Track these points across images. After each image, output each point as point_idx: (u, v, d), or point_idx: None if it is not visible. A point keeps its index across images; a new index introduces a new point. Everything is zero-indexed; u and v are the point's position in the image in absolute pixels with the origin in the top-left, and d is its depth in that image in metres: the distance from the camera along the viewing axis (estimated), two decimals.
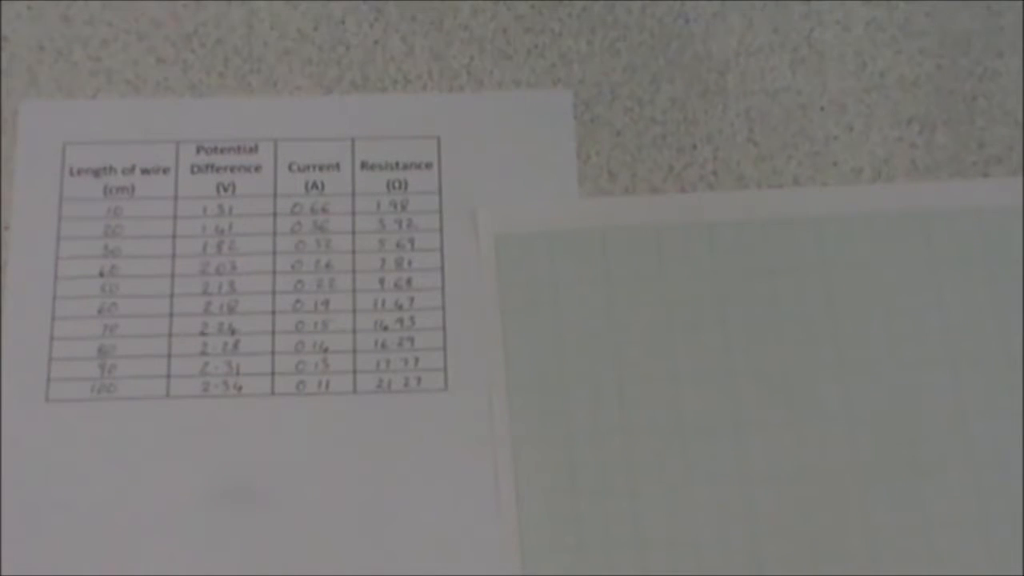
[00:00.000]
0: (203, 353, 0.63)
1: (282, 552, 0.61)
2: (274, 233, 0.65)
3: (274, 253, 0.65)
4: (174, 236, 0.65)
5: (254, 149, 0.67)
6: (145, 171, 0.66)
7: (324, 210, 0.66)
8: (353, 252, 0.65)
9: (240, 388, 0.63)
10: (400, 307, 0.64)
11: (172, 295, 0.64)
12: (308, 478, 0.62)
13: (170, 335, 0.64)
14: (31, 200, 0.65)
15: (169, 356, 0.63)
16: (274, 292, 0.64)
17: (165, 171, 0.66)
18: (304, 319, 0.64)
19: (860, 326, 0.64)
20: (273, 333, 0.64)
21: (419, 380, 0.63)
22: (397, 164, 0.67)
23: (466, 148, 0.67)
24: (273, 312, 0.64)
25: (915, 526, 0.61)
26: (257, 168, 0.67)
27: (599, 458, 0.62)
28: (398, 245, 0.65)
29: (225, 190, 0.66)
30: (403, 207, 0.66)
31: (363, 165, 0.67)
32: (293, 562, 0.60)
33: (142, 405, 0.63)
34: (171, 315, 0.64)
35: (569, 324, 0.64)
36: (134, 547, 0.60)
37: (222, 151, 0.67)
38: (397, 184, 0.66)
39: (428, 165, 0.67)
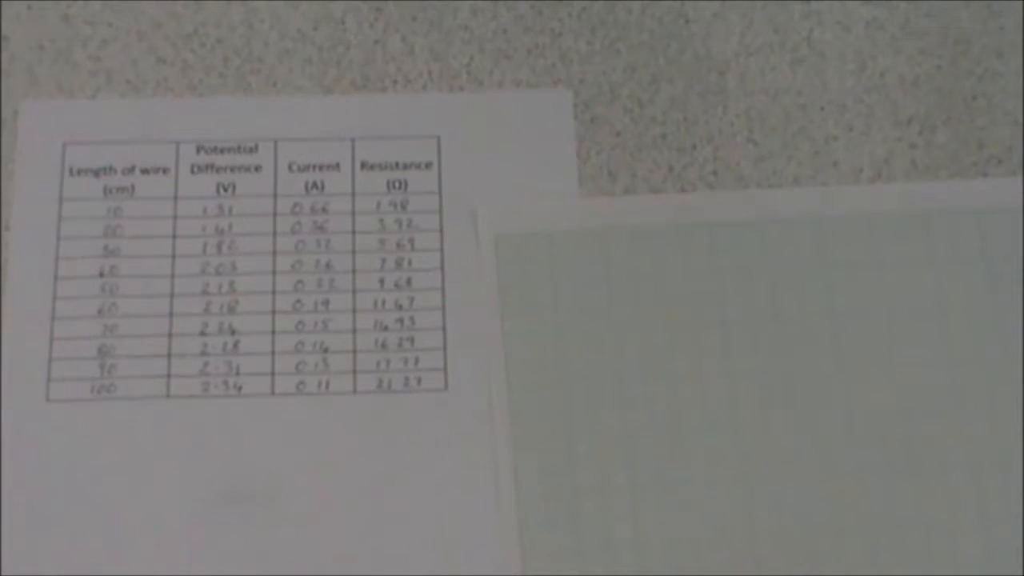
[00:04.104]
0: (203, 353, 0.63)
1: (282, 552, 0.61)
2: (274, 233, 0.65)
3: (274, 253, 0.65)
4: (174, 236, 0.65)
5: (254, 149, 0.67)
6: (145, 171, 0.66)
7: (324, 210, 0.66)
8: (353, 252, 0.65)
9: (240, 388, 0.63)
10: (400, 307, 0.64)
11: (172, 295, 0.64)
12: (308, 478, 0.62)
13: (170, 335, 0.64)
14: (31, 200, 0.65)
15: (169, 356, 0.63)
16: (274, 292, 0.64)
17: (165, 171, 0.66)
18: (304, 319, 0.64)
19: (860, 326, 0.64)
20: (273, 333, 0.64)
21: (419, 380, 0.63)
22: (397, 164, 0.67)
23: (466, 148, 0.67)
24: (273, 312, 0.64)
25: (915, 526, 0.61)
26: (257, 168, 0.67)
27: (599, 458, 0.62)
28: (398, 245, 0.65)
29: (225, 190, 0.66)
30: (403, 207, 0.66)
31: (363, 165, 0.67)
32: (293, 562, 0.60)
33: (142, 405, 0.63)
34: (171, 315, 0.64)
35: (569, 324, 0.64)
36: (134, 547, 0.60)
37: (222, 151, 0.67)
38: (397, 184, 0.66)
39: (428, 165, 0.67)
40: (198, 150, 0.67)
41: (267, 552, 0.61)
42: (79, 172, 0.66)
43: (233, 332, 0.64)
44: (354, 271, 0.65)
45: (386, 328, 0.64)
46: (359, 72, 0.68)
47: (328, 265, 0.65)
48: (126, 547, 0.60)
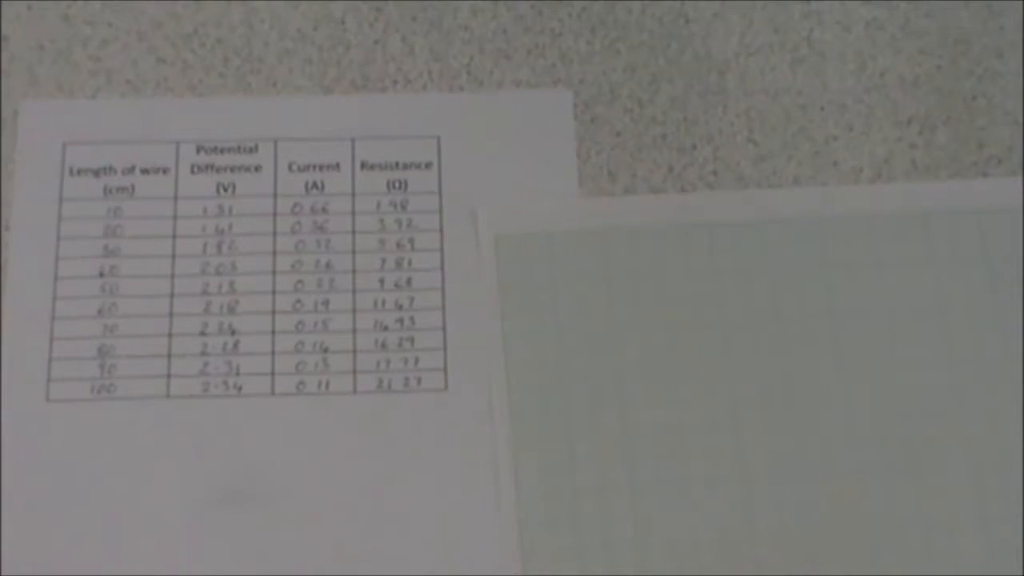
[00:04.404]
0: (203, 353, 0.63)
1: (282, 552, 0.61)
2: (274, 233, 0.65)
3: (274, 253, 0.65)
4: (174, 236, 0.65)
5: (254, 149, 0.67)
6: (145, 171, 0.66)
7: (324, 210, 0.66)
8: (353, 252, 0.65)
9: (240, 388, 0.63)
10: (400, 307, 0.64)
11: (172, 295, 0.64)
12: (308, 478, 0.62)
13: (170, 335, 0.64)
14: (31, 200, 0.65)
15: (169, 356, 0.63)
16: (274, 292, 0.64)
17: (165, 171, 0.66)
18: (304, 319, 0.64)
19: (860, 326, 0.64)
20: (273, 333, 0.64)
21: (419, 380, 0.63)
22: (397, 164, 0.67)
23: (466, 148, 0.67)
24: (273, 312, 0.64)
25: (915, 526, 0.61)
26: (257, 168, 0.67)
27: (599, 458, 0.62)
28: (398, 245, 0.65)
29: (225, 190, 0.66)
30: (403, 207, 0.66)
31: (363, 165, 0.67)
32: (293, 562, 0.60)
33: (142, 405, 0.63)
34: (171, 315, 0.64)
35: (569, 324, 0.64)
36: (134, 547, 0.60)
37: (222, 151, 0.67)
38: (397, 184, 0.66)
39: (428, 165, 0.67)
40: (198, 150, 0.67)
41: (267, 552, 0.61)
42: (79, 172, 0.66)
43: (233, 332, 0.64)
44: (354, 271, 0.65)
45: (386, 328, 0.64)
46: (359, 72, 0.68)
47: (328, 265, 0.65)
48: (126, 547, 0.60)
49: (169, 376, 0.63)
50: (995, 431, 0.62)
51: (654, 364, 0.63)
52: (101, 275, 0.65)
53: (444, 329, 0.64)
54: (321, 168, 0.67)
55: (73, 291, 0.64)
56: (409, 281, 0.65)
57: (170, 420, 0.62)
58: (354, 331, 0.64)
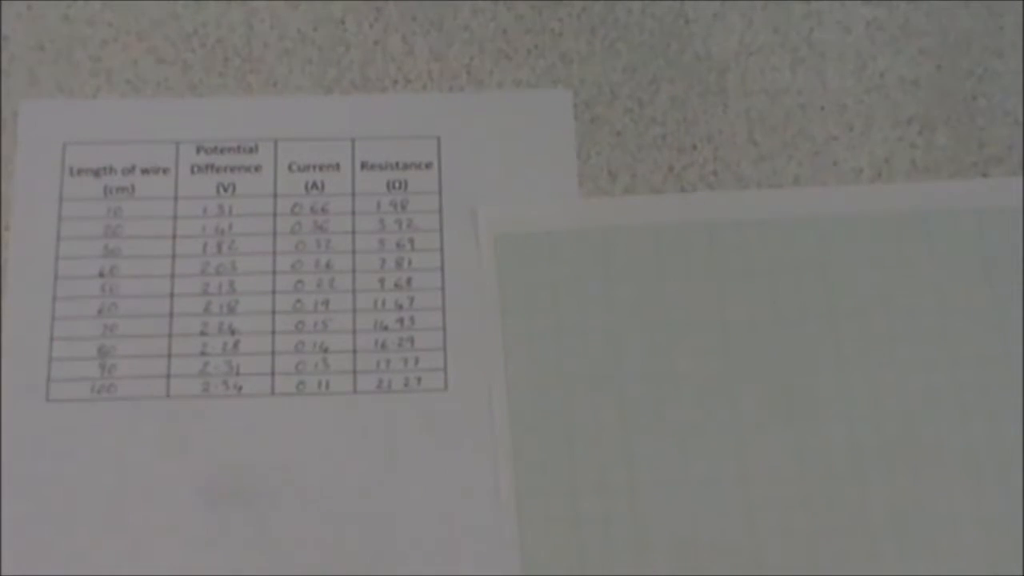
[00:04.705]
0: (203, 353, 0.63)
1: (282, 552, 0.61)
2: (274, 233, 0.65)
3: (274, 253, 0.65)
4: (174, 236, 0.65)
5: (254, 149, 0.67)
6: (145, 171, 0.66)
7: (324, 210, 0.66)
8: (353, 252, 0.65)
9: (240, 388, 0.63)
10: (400, 307, 0.64)
11: (172, 295, 0.64)
12: (308, 478, 0.62)
13: (170, 335, 0.64)
14: (31, 200, 0.65)
15: (169, 356, 0.63)
16: (274, 292, 0.64)
17: (165, 171, 0.66)
18: (304, 319, 0.64)
19: (860, 326, 0.64)
20: (273, 333, 0.64)
21: (419, 380, 0.63)
22: (397, 164, 0.67)
23: (466, 148, 0.67)
24: (273, 312, 0.64)
25: (915, 526, 0.61)
26: (257, 168, 0.67)
27: (599, 458, 0.62)
28: (398, 245, 0.65)
29: (225, 190, 0.66)
30: (403, 207, 0.66)
31: (363, 165, 0.67)
32: (293, 562, 0.60)
33: (142, 405, 0.63)
34: (171, 315, 0.64)
35: (569, 324, 0.64)
36: (134, 547, 0.60)
37: (222, 151, 0.67)
38: (397, 184, 0.66)
39: (428, 165, 0.67)
40: (198, 150, 0.67)
41: (267, 552, 0.61)
42: (79, 172, 0.66)
43: (233, 332, 0.64)
44: (354, 271, 0.65)
45: (386, 328, 0.64)
46: (359, 72, 0.68)
47: (328, 265, 0.65)
48: (126, 547, 0.60)
49: (169, 376, 0.63)
50: (995, 431, 0.62)
51: (654, 364, 0.63)
52: (101, 275, 0.65)
53: (444, 329, 0.64)
54: (321, 168, 0.67)
55: (73, 291, 0.64)
56: (409, 281, 0.65)
57: (170, 420, 0.62)
58: (354, 331, 0.64)
